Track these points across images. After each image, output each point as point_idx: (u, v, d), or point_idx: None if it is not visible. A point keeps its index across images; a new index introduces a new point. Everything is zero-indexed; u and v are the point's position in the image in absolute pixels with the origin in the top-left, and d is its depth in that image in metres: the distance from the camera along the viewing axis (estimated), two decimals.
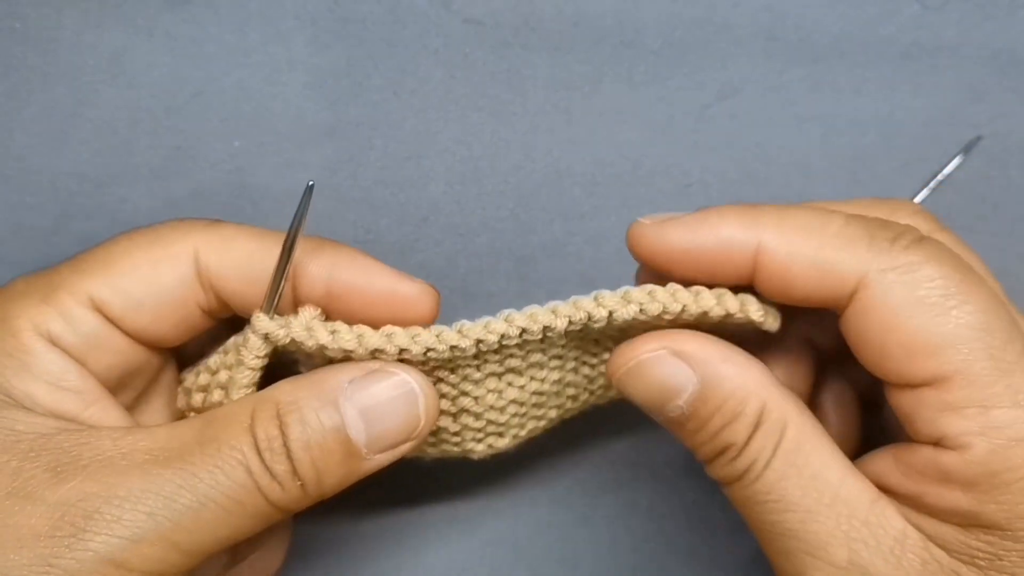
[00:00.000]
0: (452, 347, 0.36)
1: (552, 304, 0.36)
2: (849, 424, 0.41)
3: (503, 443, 0.41)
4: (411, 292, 0.37)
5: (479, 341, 0.36)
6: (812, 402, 0.41)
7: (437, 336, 0.36)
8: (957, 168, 0.43)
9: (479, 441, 0.41)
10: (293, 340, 0.35)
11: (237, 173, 0.47)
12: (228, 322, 0.38)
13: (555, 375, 0.40)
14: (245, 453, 0.33)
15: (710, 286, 0.36)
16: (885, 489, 0.34)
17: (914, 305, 0.32)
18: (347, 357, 0.35)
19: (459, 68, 0.47)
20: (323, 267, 0.37)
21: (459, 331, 0.36)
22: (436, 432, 0.40)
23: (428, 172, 0.47)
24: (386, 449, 0.35)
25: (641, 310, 0.35)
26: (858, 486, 0.34)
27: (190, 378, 0.38)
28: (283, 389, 0.35)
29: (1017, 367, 0.32)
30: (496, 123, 0.48)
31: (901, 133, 0.49)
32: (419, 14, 0.47)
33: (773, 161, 0.49)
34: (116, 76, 0.46)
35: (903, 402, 0.33)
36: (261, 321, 0.35)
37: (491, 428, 0.40)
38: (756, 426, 0.34)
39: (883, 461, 0.35)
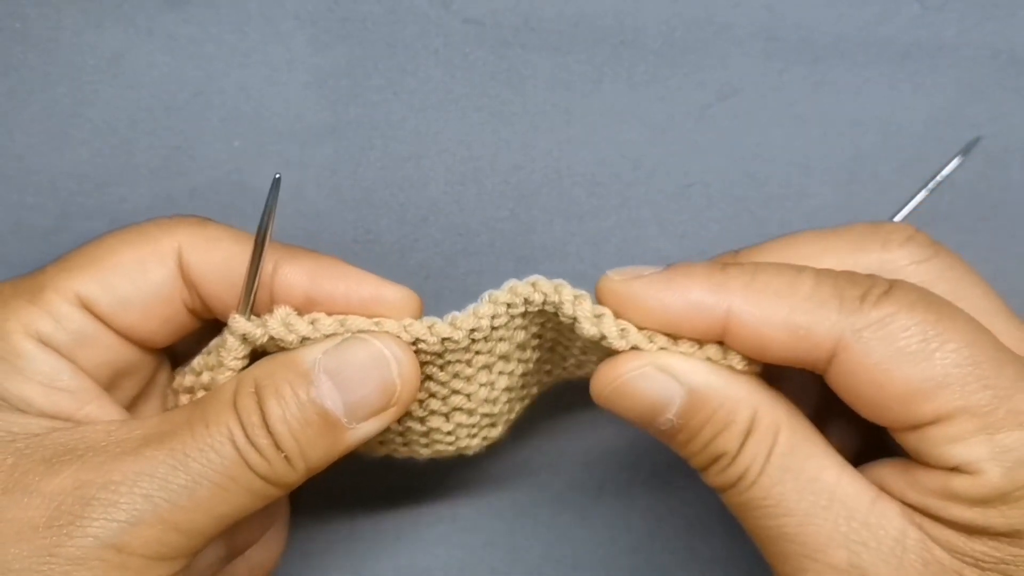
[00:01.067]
0: (444, 339, 0.36)
1: (532, 278, 0.36)
2: (850, 434, 0.42)
3: (496, 433, 0.41)
4: (395, 297, 0.36)
5: (473, 331, 0.36)
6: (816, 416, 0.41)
7: (429, 328, 0.36)
8: (956, 169, 0.43)
9: (473, 437, 0.41)
10: (272, 338, 0.35)
11: (237, 173, 0.47)
12: (218, 323, 0.39)
13: (536, 354, 0.40)
14: (231, 428, 0.33)
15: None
16: (887, 494, 0.34)
17: (896, 357, 0.32)
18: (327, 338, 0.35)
19: (459, 68, 0.47)
20: (302, 274, 0.36)
21: (451, 323, 0.36)
22: (428, 434, 0.40)
23: (428, 172, 0.47)
24: (367, 417, 0.35)
25: (603, 338, 0.35)
26: (856, 487, 0.34)
27: (177, 379, 0.39)
28: (262, 366, 0.35)
29: (1014, 390, 0.32)
30: (496, 123, 0.48)
31: (901, 133, 0.49)
32: (419, 14, 0.47)
33: (773, 161, 0.49)
34: (116, 76, 0.46)
35: (908, 441, 0.33)
36: (237, 323, 0.35)
37: (484, 421, 0.40)
38: (748, 433, 0.34)
39: (886, 470, 0.35)
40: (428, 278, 0.47)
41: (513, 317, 0.37)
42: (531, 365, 0.40)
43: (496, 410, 0.40)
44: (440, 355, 0.37)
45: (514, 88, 0.47)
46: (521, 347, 0.39)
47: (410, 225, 0.47)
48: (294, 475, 0.34)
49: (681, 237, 0.48)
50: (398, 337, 0.35)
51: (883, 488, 0.34)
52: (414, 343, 0.36)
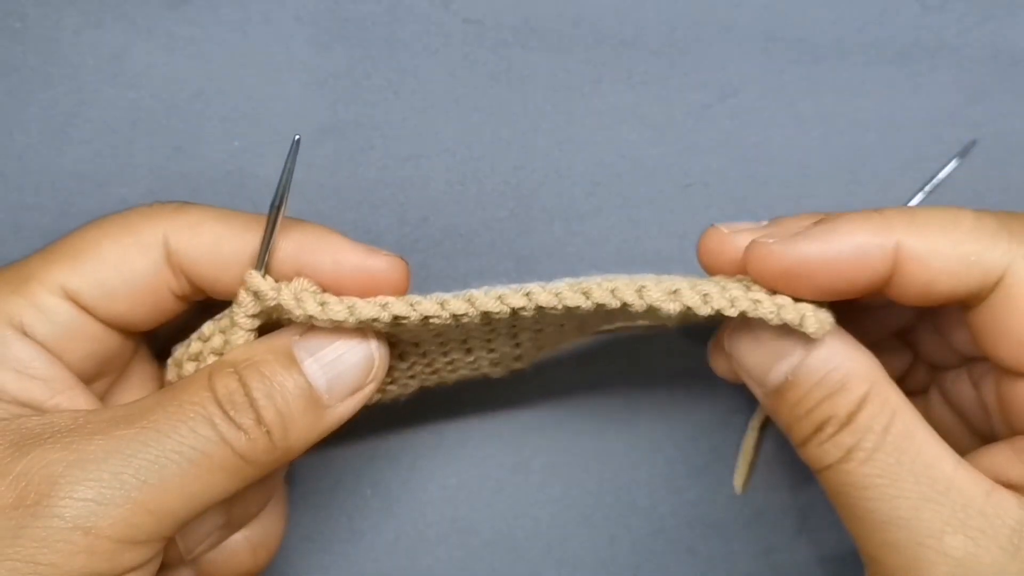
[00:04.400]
0: (456, 316, 0.36)
1: (590, 281, 0.36)
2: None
3: (522, 364, 0.43)
4: (381, 266, 0.37)
5: (488, 313, 0.36)
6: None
7: (440, 304, 0.36)
8: (954, 170, 0.43)
9: (496, 365, 0.42)
10: (280, 306, 0.35)
11: (237, 173, 0.47)
12: (204, 305, 0.39)
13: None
14: (206, 406, 0.33)
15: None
16: (1004, 482, 0.34)
17: None
18: (303, 325, 0.36)
19: (459, 68, 0.47)
20: (290, 246, 0.37)
21: (467, 299, 0.36)
22: (452, 362, 0.41)
23: (428, 172, 0.47)
24: (347, 394, 0.36)
25: (689, 311, 0.35)
26: (972, 477, 0.33)
27: (180, 349, 0.39)
28: (236, 352, 0.35)
29: None
30: (496, 123, 0.47)
31: (901, 133, 0.49)
32: (419, 14, 0.47)
33: (773, 161, 0.49)
34: (116, 76, 0.46)
35: None
36: (253, 278, 0.36)
37: (507, 358, 0.41)
38: (862, 403, 0.34)
39: (1000, 455, 0.35)
40: (428, 278, 0.47)
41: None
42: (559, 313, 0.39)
43: (519, 352, 0.41)
44: (455, 327, 0.37)
45: (514, 88, 0.47)
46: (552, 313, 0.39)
47: (410, 225, 0.47)
48: (274, 453, 0.34)
49: (681, 237, 0.48)
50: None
51: (998, 476, 0.34)
52: (425, 320, 0.36)
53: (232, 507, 0.38)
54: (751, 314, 0.34)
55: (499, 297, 0.35)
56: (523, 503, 0.49)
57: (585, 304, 0.35)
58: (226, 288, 0.37)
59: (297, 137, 0.36)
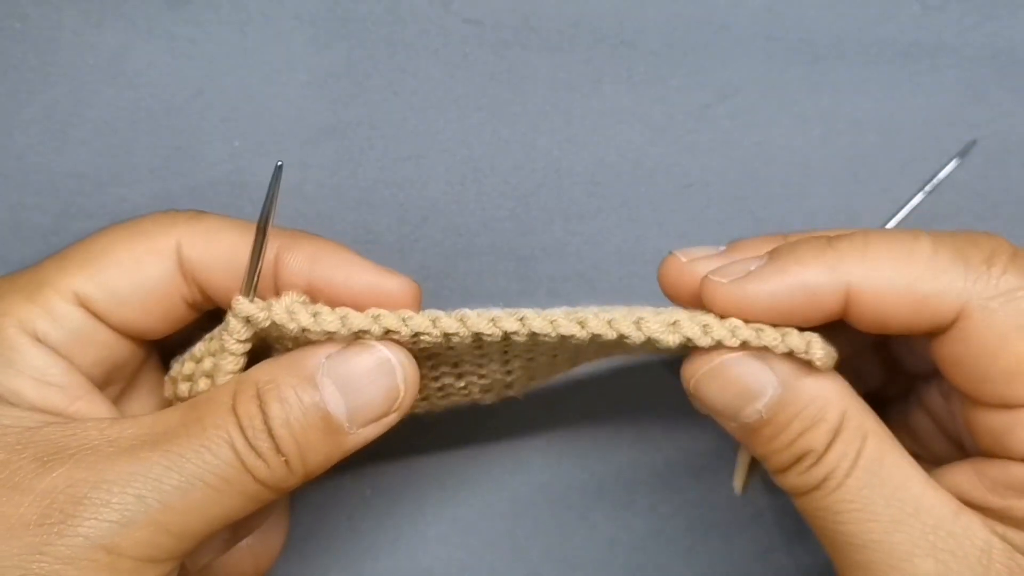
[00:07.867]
0: (447, 335, 0.35)
1: (586, 311, 0.35)
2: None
3: (512, 391, 0.42)
4: (393, 287, 0.37)
5: (479, 335, 0.35)
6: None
7: (432, 321, 0.35)
8: (954, 170, 0.43)
9: (487, 391, 0.41)
10: (274, 323, 0.35)
11: (237, 173, 0.47)
12: (214, 314, 0.39)
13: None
14: (229, 432, 0.33)
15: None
16: (966, 503, 0.34)
17: (1019, 331, 0.32)
18: (330, 340, 0.35)
19: (459, 68, 0.47)
20: (303, 260, 0.37)
21: (459, 319, 0.35)
22: (442, 388, 0.40)
23: (428, 172, 0.47)
24: (369, 422, 0.35)
25: (688, 341, 0.34)
26: (940, 498, 0.33)
27: (176, 367, 0.38)
28: (263, 369, 0.35)
29: None
30: (496, 123, 0.47)
31: (901, 133, 0.49)
32: (419, 14, 0.47)
33: (773, 161, 0.49)
34: (116, 76, 0.46)
35: (995, 421, 0.33)
36: (241, 304, 0.35)
37: (498, 384, 0.41)
38: (836, 433, 0.33)
39: (962, 475, 0.34)
40: (428, 278, 0.47)
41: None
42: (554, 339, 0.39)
43: (510, 379, 0.40)
44: (447, 347, 0.37)
45: (514, 88, 0.47)
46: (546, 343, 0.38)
47: (410, 225, 0.47)
48: (292, 479, 0.34)
49: (681, 237, 0.48)
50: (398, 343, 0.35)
51: (960, 494, 0.34)
52: (415, 336, 0.35)
53: (235, 525, 0.38)
54: (753, 343, 0.34)
55: (492, 320, 0.35)
56: (523, 503, 0.49)
57: (580, 333, 0.35)
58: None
59: (280, 163, 0.35)
